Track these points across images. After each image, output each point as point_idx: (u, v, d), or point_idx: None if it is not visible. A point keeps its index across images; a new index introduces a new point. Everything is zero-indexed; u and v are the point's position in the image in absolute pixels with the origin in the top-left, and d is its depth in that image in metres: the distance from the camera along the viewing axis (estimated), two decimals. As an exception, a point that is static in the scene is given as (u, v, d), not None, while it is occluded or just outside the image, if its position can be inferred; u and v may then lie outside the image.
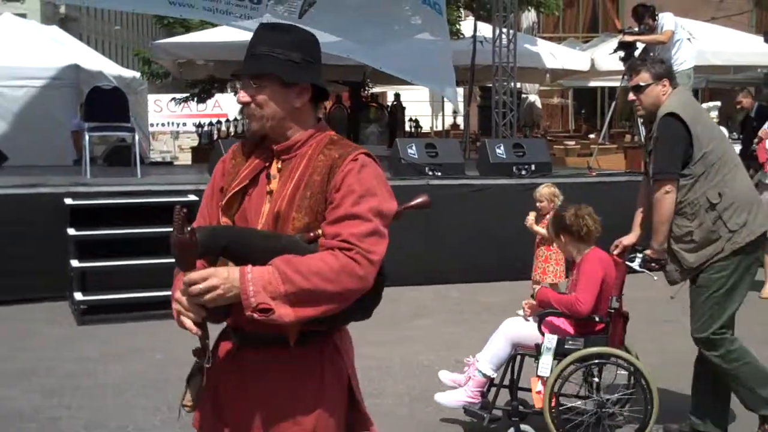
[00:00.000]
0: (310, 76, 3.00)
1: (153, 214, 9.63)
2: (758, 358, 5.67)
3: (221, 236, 2.81)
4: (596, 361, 5.57)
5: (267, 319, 2.69)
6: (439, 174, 11.54)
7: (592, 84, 24.65)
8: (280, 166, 2.99)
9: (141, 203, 9.91)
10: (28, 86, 16.36)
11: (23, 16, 23.99)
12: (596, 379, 5.61)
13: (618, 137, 20.73)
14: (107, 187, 10.46)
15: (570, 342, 5.56)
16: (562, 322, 5.66)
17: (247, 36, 15.47)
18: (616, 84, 16.75)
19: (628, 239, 5.83)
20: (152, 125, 27.20)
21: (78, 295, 9.23)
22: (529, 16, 25.95)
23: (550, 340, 5.53)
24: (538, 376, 5.55)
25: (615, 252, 5.78)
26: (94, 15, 74.71)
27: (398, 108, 23.60)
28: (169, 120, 35.23)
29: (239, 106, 3.16)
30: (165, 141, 36.27)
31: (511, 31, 15.32)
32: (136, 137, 12.31)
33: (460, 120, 28.15)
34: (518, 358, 5.83)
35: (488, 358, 5.79)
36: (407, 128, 22.91)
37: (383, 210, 2.88)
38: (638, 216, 5.91)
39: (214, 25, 17.56)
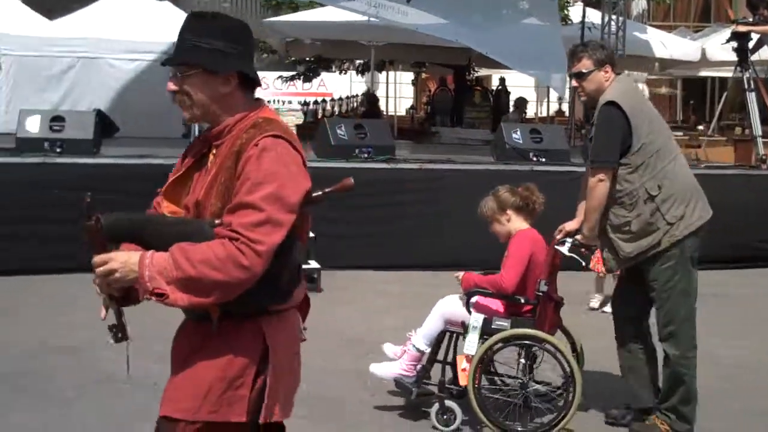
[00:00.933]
0: (236, 64, 3.03)
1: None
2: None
3: (122, 223, 2.92)
4: (519, 342, 5.59)
5: (162, 302, 2.82)
6: (544, 160, 11.46)
7: (702, 74, 24.14)
8: (215, 152, 3.06)
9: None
10: (140, 60, 16.65)
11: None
12: (522, 361, 5.62)
13: (728, 129, 20.28)
14: (214, 160, 10.62)
15: (497, 322, 5.61)
16: (494, 303, 5.72)
17: (354, 16, 15.72)
18: (728, 75, 16.38)
19: (571, 225, 5.82)
20: (258, 102, 27.44)
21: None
22: (639, 4, 25.56)
23: (476, 319, 5.58)
24: (464, 354, 5.60)
25: (558, 237, 5.79)
26: (204, -8, 75.67)
27: (503, 92, 23.47)
28: (275, 98, 35.54)
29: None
30: (269, 118, 36.57)
31: (620, 18, 15.12)
32: (243, 113, 12.43)
33: (565, 106, 27.87)
34: (449, 335, 5.87)
35: (423, 333, 5.86)
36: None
37: (282, 195, 2.87)
38: (582, 203, 5.86)
39: (322, 4, 17.67)
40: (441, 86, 23.97)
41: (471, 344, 5.56)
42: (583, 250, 5.72)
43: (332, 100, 30.31)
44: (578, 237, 5.67)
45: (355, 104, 30.43)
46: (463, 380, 5.56)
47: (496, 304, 5.73)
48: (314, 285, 9.42)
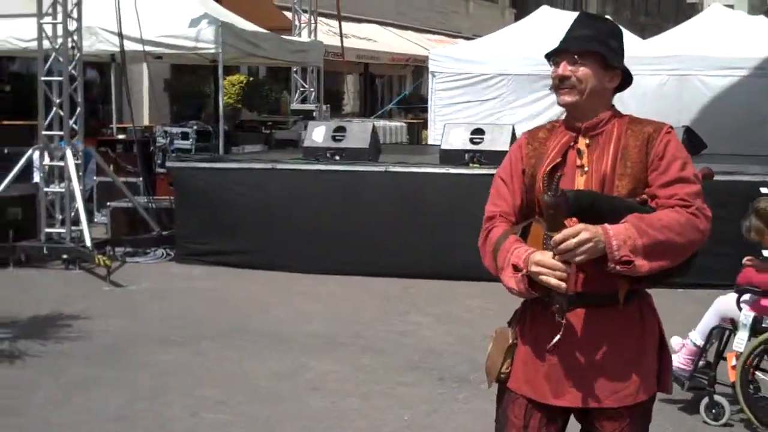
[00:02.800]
0: (622, 63, 3.26)
1: None
2: None
3: (585, 197, 3.07)
4: None
5: (627, 270, 2.96)
6: None
7: None
8: (588, 141, 3.23)
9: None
10: (731, 76, 16.56)
11: (731, 7, 24.26)
12: None
13: None
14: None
15: (767, 321, 5.60)
16: None
17: None
18: None
19: None
20: None
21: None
22: None
23: (746, 317, 5.62)
24: (734, 351, 5.68)
25: None
26: (800, 4, 72.84)
27: None
28: None
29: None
30: None
31: None
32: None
33: None
34: (719, 331, 5.93)
35: (700, 329, 6.00)
36: None
37: (698, 175, 3.17)
38: None
39: None
40: None
41: (740, 341, 5.65)
42: None
43: None
44: None
45: None
46: (732, 377, 5.67)
47: None
48: None
